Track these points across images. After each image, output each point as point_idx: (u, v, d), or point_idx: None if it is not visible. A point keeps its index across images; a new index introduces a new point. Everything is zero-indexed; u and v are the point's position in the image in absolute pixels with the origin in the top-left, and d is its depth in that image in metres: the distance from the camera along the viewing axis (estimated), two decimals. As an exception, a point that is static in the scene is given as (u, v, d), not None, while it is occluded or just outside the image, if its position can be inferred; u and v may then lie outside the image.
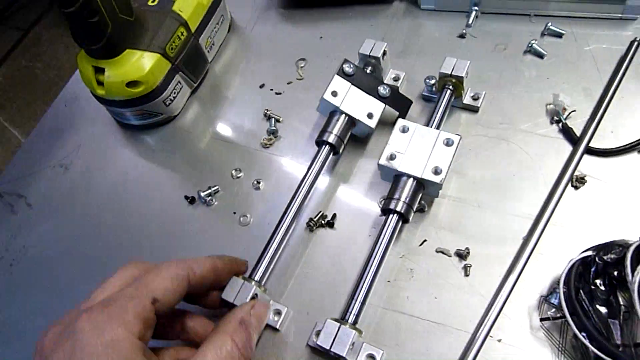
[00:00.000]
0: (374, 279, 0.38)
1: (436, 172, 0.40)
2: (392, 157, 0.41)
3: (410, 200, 0.40)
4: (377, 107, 0.46)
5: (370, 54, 0.47)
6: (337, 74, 0.46)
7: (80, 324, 0.30)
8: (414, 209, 0.41)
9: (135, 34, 0.49)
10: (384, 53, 0.47)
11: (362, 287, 0.38)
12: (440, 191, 0.42)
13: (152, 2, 0.53)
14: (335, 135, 0.44)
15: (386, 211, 0.40)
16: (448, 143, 0.41)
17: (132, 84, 0.49)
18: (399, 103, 0.46)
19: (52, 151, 0.56)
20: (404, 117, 0.45)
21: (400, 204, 0.40)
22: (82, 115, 0.58)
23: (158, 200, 0.50)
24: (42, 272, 0.49)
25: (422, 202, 0.43)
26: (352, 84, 0.46)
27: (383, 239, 0.39)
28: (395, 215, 0.40)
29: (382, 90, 0.46)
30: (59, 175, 0.54)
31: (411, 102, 0.47)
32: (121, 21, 0.47)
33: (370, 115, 0.45)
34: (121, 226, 0.49)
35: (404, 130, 0.42)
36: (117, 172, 0.53)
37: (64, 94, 0.61)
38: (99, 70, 0.49)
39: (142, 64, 0.49)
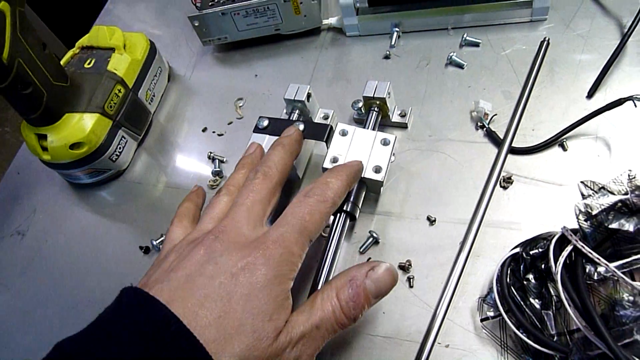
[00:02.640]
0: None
1: (377, 170, 0.43)
2: (334, 160, 0.44)
3: (355, 199, 0.43)
4: None
5: (295, 98, 0.49)
6: (253, 131, 0.48)
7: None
8: (360, 207, 0.43)
9: (73, 98, 0.51)
10: (309, 95, 0.49)
11: (348, 204, 0.42)
12: (380, 194, 0.45)
13: (88, 64, 0.55)
14: None
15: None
16: (385, 142, 0.44)
17: (75, 145, 0.50)
18: (317, 132, 0.46)
19: (8, 219, 0.57)
20: (326, 142, 0.46)
21: (347, 203, 0.42)
22: (36, 181, 0.59)
23: (114, 254, 0.51)
24: (4, 341, 0.49)
25: (375, 234, 0.44)
26: (270, 134, 0.47)
27: (333, 237, 0.41)
28: (343, 214, 0.42)
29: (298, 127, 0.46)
30: (16, 242, 0.55)
31: (329, 125, 0.46)
32: (56, 88, 0.49)
33: None
34: (79, 285, 0.50)
35: (344, 133, 0.45)
36: (73, 231, 0.54)
37: (16, 162, 0.62)
38: (42, 137, 0.51)
39: (82, 125, 0.51)
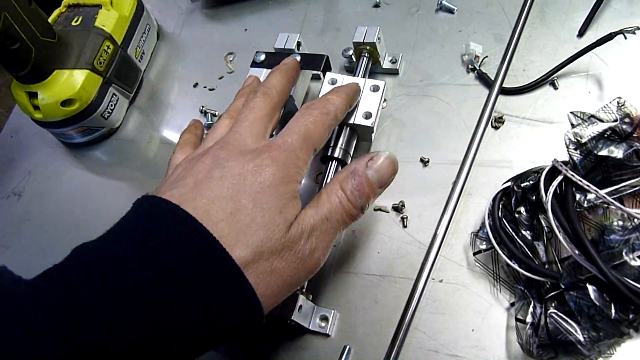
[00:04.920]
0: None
1: (367, 116, 0.43)
2: None
3: (346, 146, 0.43)
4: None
5: (285, 47, 0.49)
6: (251, 66, 0.47)
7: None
8: (351, 154, 0.43)
9: (62, 54, 0.51)
10: (299, 44, 0.49)
11: (339, 151, 0.42)
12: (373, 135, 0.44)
13: (76, 22, 0.54)
14: None
15: (325, 158, 0.43)
16: (375, 89, 0.43)
17: (66, 102, 0.50)
18: (314, 62, 0.46)
19: (4, 182, 0.57)
20: (322, 71, 0.45)
21: (337, 150, 0.42)
22: (29, 143, 0.59)
23: (111, 210, 0.50)
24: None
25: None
26: (267, 68, 0.46)
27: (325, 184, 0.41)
28: (335, 161, 0.43)
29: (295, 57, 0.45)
30: (13, 203, 0.55)
31: (325, 55, 0.46)
32: (44, 44, 0.49)
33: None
34: (77, 241, 0.50)
35: (333, 82, 0.44)
36: (69, 190, 0.54)
37: (9, 126, 0.62)
38: (33, 95, 0.51)
39: (72, 81, 0.50)
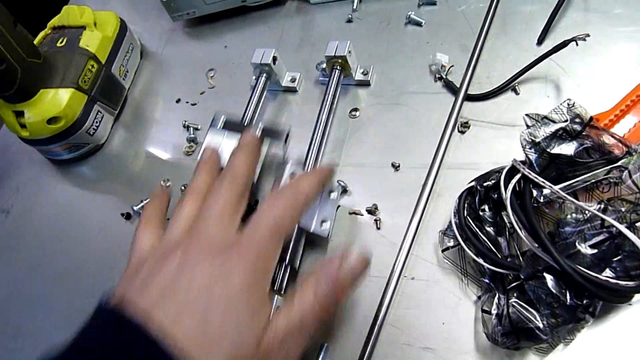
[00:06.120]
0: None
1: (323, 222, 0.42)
2: None
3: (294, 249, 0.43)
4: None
5: (262, 62, 0.51)
6: (210, 126, 0.48)
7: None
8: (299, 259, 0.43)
9: (47, 74, 0.53)
10: (275, 58, 0.51)
11: (288, 256, 0.42)
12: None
13: (61, 43, 0.56)
14: None
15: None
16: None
17: (52, 120, 0.52)
18: (276, 134, 0.47)
19: (-8, 199, 0.59)
20: (284, 143, 0.47)
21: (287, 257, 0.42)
22: (16, 161, 0.61)
23: (97, 224, 0.53)
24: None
25: (343, 182, 0.46)
26: (228, 129, 0.47)
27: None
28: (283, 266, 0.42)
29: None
30: (2, 220, 0.57)
31: (287, 130, 0.47)
32: (30, 65, 0.51)
33: None
34: (66, 254, 0.52)
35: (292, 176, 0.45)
36: (56, 206, 0.56)
37: (-4, 145, 0.64)
38: (19, 114, 0.52)
39: (58, 100, 0.52)
